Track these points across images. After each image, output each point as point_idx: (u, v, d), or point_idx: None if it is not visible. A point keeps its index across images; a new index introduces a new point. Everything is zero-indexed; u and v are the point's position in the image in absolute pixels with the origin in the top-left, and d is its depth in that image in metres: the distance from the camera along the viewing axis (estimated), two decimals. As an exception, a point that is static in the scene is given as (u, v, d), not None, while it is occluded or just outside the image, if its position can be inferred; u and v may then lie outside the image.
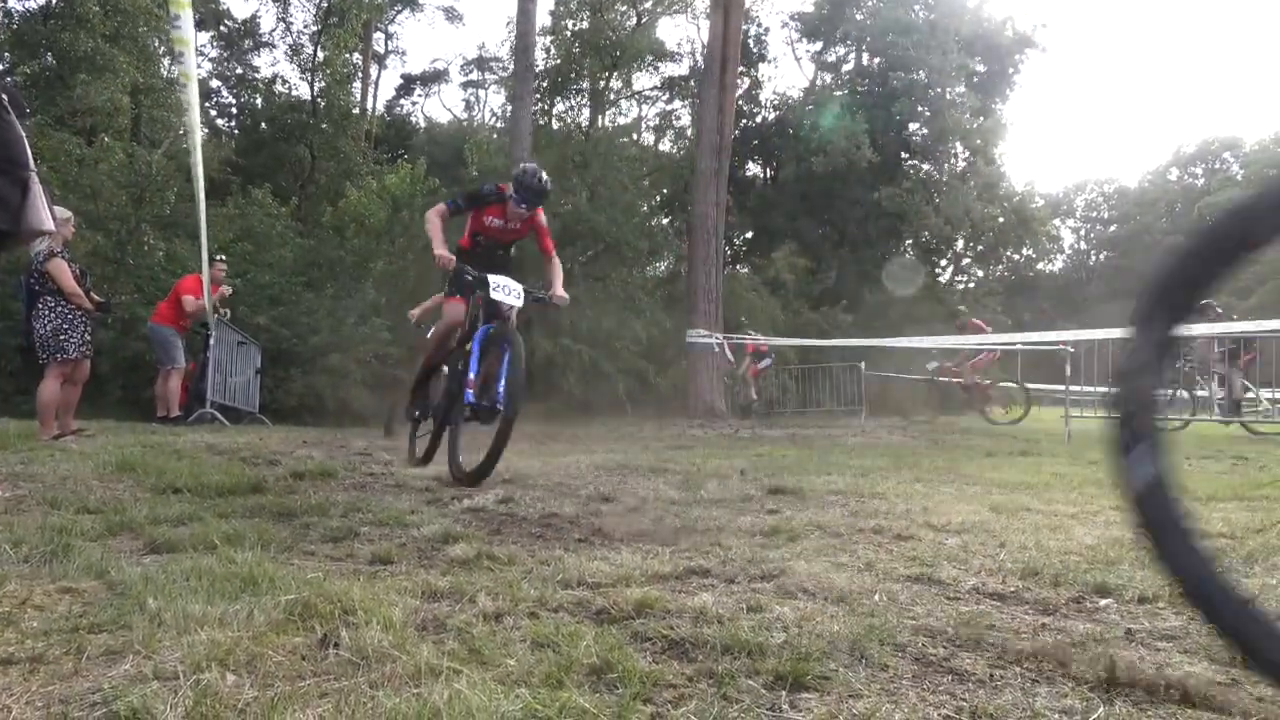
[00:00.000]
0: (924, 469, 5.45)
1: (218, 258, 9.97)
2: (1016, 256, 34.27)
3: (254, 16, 31.36)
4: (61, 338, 6.44)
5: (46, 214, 3.44)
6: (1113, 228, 55.03)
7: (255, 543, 2.44)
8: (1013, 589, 2.16)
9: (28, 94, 20.73)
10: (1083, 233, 57.53)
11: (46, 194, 3.45)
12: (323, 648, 1.54)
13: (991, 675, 1.51)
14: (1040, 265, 42.90)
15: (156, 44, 22.03)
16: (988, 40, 29.66)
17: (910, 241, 28.97)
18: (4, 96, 3.23)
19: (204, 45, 28.03)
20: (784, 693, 1.39)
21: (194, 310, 9.39)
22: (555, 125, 26.51)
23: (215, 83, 29.51)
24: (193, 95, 9.22)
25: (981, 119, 28.83)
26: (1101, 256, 55.22)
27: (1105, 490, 4.32)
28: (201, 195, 9.35)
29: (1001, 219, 30.08)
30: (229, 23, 30.06)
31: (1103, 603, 2.01)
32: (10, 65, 20.80)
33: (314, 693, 1.33)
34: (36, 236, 3.47)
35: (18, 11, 20.85)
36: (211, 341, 10.09)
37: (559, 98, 27.84)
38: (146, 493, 3.59)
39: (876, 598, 2.02)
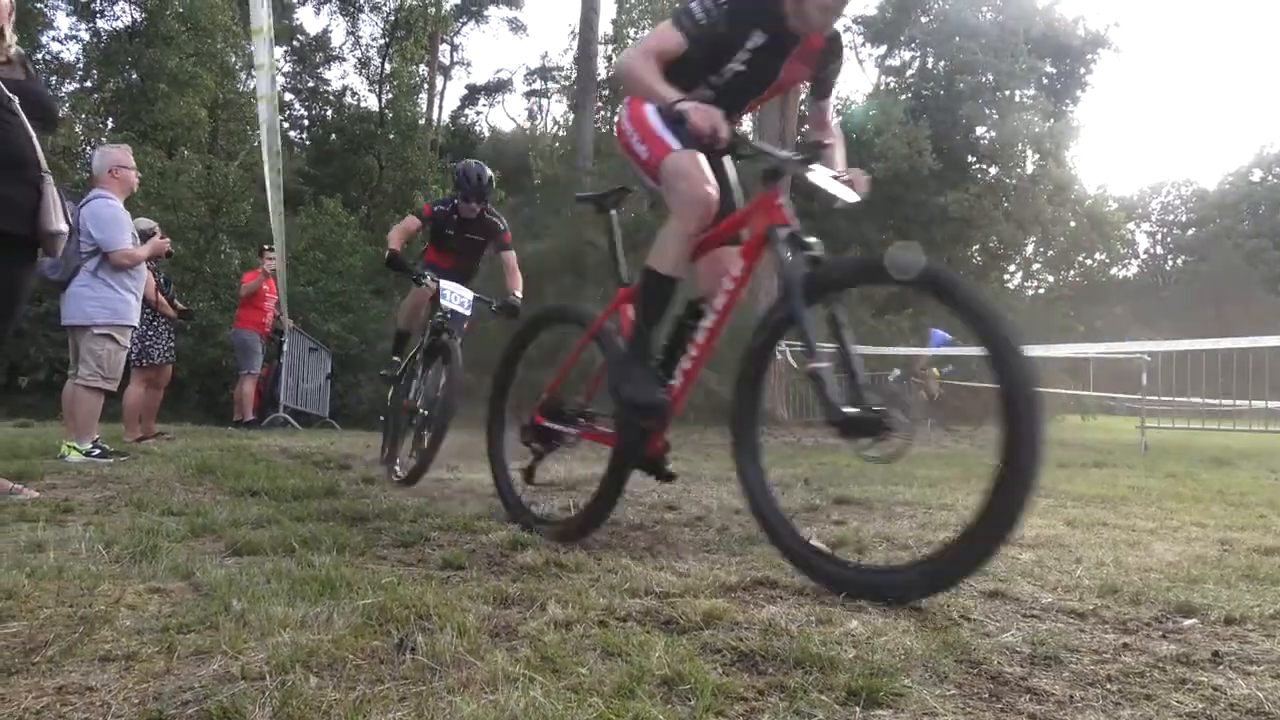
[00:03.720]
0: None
1: (266, 247, 10.24)
2: (1089, 261, 33.22)
3: (325, 31, 32.37)
4: (146, 343, 6.69)
5: (59, 215, 3.49)
6: (1190, 231, 53.19)
7: (331, 546, 2.50)
8: (1091, 606, 2.10)
9: (113, 109, 21.67)
10: (1159, 236, 55.73)
11: (61, 196, 3.52)
12: (399, 652, 1.57)
13: (1071, 696, 1.46)
14: (1114, 270, 41.55)
15: (234, 59, 22.83)
16: (1058, 41, 28.94)
17: (977, 247, 28.40)
18: (14, 98, 3.32)
19: (278, 60, 28.90)
20: (858, 709, 1.37)
21: (247, 291, 9.81)
22: (618, 133, 26.58)
23: (289, 96, 30.46)
24: (272, 116, 9.57)
25: (1052, 121, 28.10)
26: (1179, 261, 53.35)
27: (1186, 504, 4.18)
28: (280, 209, 9.66)
29: (1073, 223, 29.28)
30: (301, 38, 31.02)
31: (1186, 623, 1.94)
32: (98, 83, 21.76)
33: (393, 696, 1.36)
34: (51, 239, 3.47)
35: (105, 31, 21.81)
36: (285, 347, 10.41)
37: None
38: (226, 495, 3.71)
39: (950, 613, 1.99)
